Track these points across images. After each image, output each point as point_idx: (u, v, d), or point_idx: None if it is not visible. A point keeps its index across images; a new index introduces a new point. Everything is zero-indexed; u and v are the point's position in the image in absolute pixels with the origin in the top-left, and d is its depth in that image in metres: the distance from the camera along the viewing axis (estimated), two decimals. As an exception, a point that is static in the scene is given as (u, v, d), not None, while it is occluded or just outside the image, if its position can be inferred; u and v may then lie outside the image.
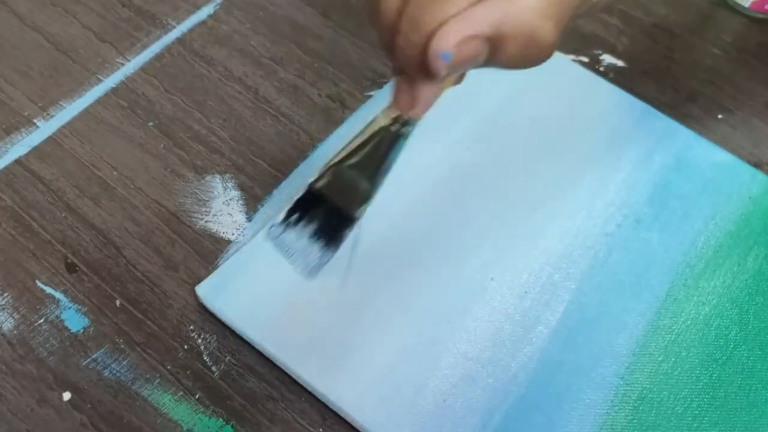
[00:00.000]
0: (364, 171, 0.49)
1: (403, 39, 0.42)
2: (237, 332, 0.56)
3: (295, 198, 0.49)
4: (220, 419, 0.53)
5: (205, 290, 0.57)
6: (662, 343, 0.57)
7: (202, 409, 0.53)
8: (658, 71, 0.72)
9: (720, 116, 0.69)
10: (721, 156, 0.66)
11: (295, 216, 0.49)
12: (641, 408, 0.54)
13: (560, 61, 0.71)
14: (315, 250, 0.50)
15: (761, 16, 0.76)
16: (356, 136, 0.49)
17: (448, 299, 0.57)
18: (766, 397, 0.55)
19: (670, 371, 0.55)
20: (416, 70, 0.42)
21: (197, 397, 0.53)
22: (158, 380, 0.54)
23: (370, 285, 0.57)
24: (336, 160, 0.49)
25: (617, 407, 0.54)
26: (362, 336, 0.55)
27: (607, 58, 0.72)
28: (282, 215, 0.49)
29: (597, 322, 0.57)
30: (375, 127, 0.48)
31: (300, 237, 0.50)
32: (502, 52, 0.41)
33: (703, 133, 0.67)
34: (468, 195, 0.62)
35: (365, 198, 0.50)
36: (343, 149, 0.50)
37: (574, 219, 0.62)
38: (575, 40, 0.73)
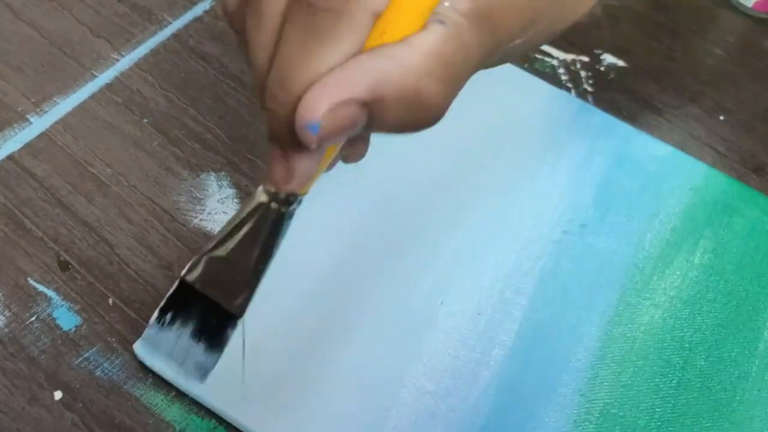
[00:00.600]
0: (241, 259, 0.43)
1: (270, 100, 0.37)
2: (181, 390, 0.53)
3: (168, 294, 0.44)
4: (213, 420, 0.53)
5: (142, 347, 0.54)
6: (619, 353, 0.56)
7: (195, 410, 0.53)
8: (659, 71, 0.72)
9: (722, 118, 0.69)
10: (660, 149, 0.66)
11: (169, 315, 0.44)
12: (604, 425, 0.53)
13: None
14: (198, 352, 0.44)
15: (764, 16, 0.76)
16: (235, 215, 0.43)
17: (400, 331, 0.56)
18: (726, 399, 0.55)
19: (629, 382, 0.55)
20: (285, 139, 0.37)
21: (190, 397, 0.53)
22: (151, 380, 0.54)
23: (316, 324, 0.56)
24: (210, 246, 0.43)
25: (580, 427, 0.53)
26: (313, 380, 0.53)
27: (608, 58, 0.72)
28: (155, 315, 0.44)
29: (552, 337, 0.56)
30: (252, 206, 0.42)
31: (179, 338, 0.44)
32: (382, 117, 0.36)
33: (705, 135, 0.67)
34: (407, 217, 0.61)
35: (245, 290, 0.44)
36: (220, 231, 0.43)
37: (521, 229, 0.61)
38: (575, 38, 0.73)
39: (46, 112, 0.65)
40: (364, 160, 0.60)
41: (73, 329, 0.55)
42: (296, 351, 0.54)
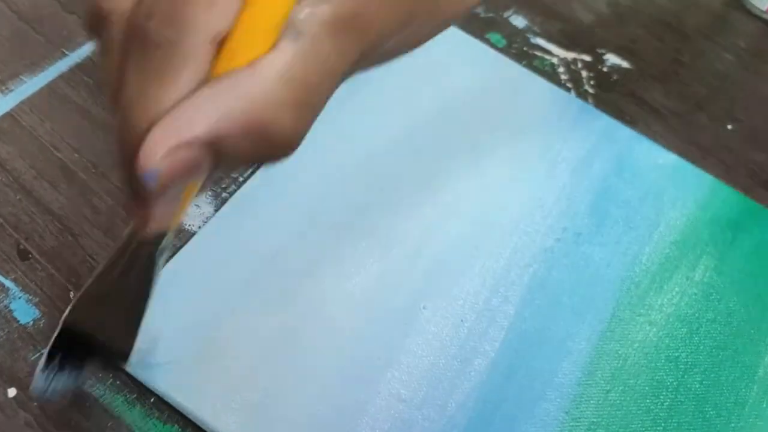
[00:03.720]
0: (119, 296, 0.44)
1: (116, 139, 0.35)
2: (145, 385, 0.53)
3: (53, 337, 0.45)
4: (176, 425, 0.53)
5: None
6: (609, 370, 0.56)
7: (156, 414, 0.53)
8: (665, 75, 0.72)
9: (729, 127, 0.69)
10: (664, 157, 0.66)
11: (57, 359, 0.46)
12: None
13: (490, 55, 0.70)
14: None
15: (778, 20, 0.76)
16: (111, 254, 0.43)
17: (378, 334, 0.56)
18: (721, 425, 0.55)
19: (618, 402, 0.55)
20: (133, 183, 0.35)
21: (152, 400, 0.53)
22: (111, 380, 0.53)
23: (290, 322, 0.55)
24: (87, 285, 0.44)
25: None
26: (281, 380, 0.53)
27: (611, 58, 0.72)
28: (42, 362, 0.45)
29: (539, 350, 0.56)
30: (122, 244, 0.42)
31: (72, 379, 0.47)
32: (229, 155, 0.34)
33: (711, 144, 0.67)
34: (391, 216, 0.61)
35: (129, 326, 0.46)
36: (97, 269, 0.44)
37: (511, 234, 0.61)
38: (577, 36, 0.73)
39: (12, 90, 0.65)
40: (348, 155, 0.61)
41: (31, 323, 0.55)
42: (268, 353, 0.54)
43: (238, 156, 0.35)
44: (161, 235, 0.40)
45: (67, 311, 0.44)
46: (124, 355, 0.47)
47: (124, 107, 0.34)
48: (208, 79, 0.34)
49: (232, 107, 0.33)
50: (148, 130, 0.33)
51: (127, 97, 0.34)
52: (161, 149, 0.32)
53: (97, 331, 0.45)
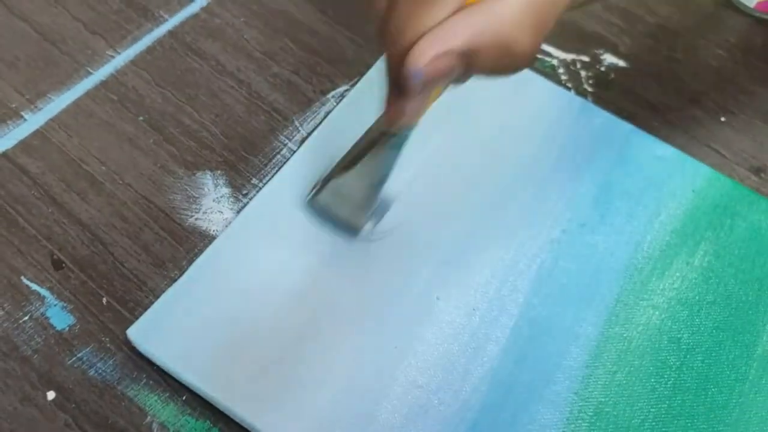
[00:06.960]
0: (362, 181, 0.53)
1: (386, 49, 0.44)
2: (173, 375, 0.54)
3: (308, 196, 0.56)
4: (207, 421, 0.53)
5: (136, 333, 0.55)
6: (615, 352, 0.57)
7: (189, 411, 0.53)
8: (660, 72, 0.72)
9: (723, 119, 0.69)
10: (662, 150, 0.66)
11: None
12: (598, 424, 0.54)
13: None
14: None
15: (767, 16, 0.76)
16: (353, 146, 0.53)
17: (394, 324, 0.56)
18: (723, 401, 0.55)
19: (624, 382, 0.56)
20: (397, 83, 0.44)
21: (184, 398, 0.54)
22: (145, 380, 0.54)
23: (310, 316, 0.56)
24: (333, 172, 0.54)
25: (573, 425, 0.54)
26: (305, 370, 0.54)
27: (608, 58, 0.72)
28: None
29: (547, 335, 0.57)
30: (370, 138, 0.51)
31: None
32: (476, 64, 0.42)
33: (706, 136, 0.68)
34: (403, 211, 0.61)
35: (363, 204, 0.54)
36: (341, 160, 0.54)
37: (519, 226, 0.61)
38: (576, 38, 0.73)
39: (41, 109, 0.65)
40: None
41: (67, 329, 0.56)
42: (288, 343, 0.55)
43: (482, 66, 0.43)
44: (407, 129, 0.49)
45: (312, 191, 0.55)
46: (357, 228, 0.55)
47: (394, 27, 0.43)
48: (464, 4, 0.42)
49: (484, 27, 0.41)
50: (416, 41, 0.41)
51: (396, 18, 0.42)
52: (428, 55, 0.41)
53: (336, 206, 0.54)
